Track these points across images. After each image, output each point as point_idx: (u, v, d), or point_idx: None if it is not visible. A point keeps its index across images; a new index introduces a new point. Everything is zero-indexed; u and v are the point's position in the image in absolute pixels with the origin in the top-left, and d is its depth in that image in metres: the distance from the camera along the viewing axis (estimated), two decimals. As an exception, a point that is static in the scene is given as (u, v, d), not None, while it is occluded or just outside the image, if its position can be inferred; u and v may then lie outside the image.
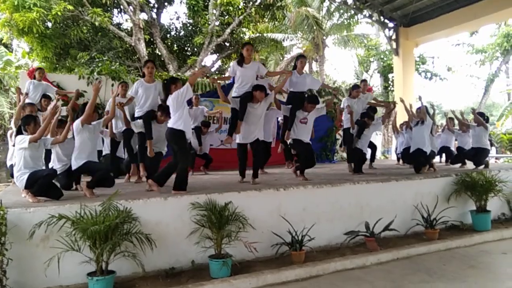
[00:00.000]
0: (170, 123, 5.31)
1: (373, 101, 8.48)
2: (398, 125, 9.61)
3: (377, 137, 20.68)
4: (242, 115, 6.05)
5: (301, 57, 7.17)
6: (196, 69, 14.72)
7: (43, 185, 4.66)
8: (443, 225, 6.10)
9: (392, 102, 7.84)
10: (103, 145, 7.36)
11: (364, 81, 8.48)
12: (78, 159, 5.17)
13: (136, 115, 6.41)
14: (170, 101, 5.30)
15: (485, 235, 6.08)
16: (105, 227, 3.79)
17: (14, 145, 5.24)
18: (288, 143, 6.82)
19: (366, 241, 5.43)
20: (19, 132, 5.01)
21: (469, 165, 8.45)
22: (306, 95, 6.98)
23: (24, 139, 4.68)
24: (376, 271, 4.79)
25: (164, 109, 5.89)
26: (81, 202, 4.25)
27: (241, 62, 6.29)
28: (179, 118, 5.22)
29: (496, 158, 15.22)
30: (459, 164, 8.62)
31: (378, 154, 17.11)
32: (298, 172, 6.53)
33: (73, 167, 5.24)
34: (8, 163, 6.91)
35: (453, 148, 9.27)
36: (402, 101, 8.08)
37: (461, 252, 5.46)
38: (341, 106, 8.10)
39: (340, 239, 5.53)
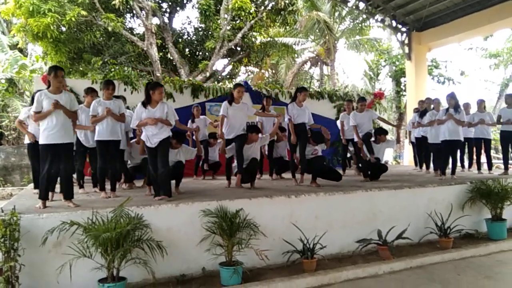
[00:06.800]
0: None
1: (382, 119, 8.51)
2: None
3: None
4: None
5: (303, 90, 6.86)
6: (208, 74, 14.79)
7: None
8: (457, 234, 5.97)
9: (398, 124, 7.81)
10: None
11: (363, 99, 8.12)
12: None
13: None
14: None
15: (501, 244, 5.95)
16: (116, 234, 3.79)
17: None
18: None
19: (378, 249, 5.36)
20: None
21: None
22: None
23: None
24: (389, 281, 4.71)
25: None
26: (93, 208, 4.27)
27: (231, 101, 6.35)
28: None
29: None
30: None
31: (390, 159, 16.97)
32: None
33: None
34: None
35: None
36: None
37: (476, 262, 5.35)
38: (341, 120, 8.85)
39: (352, 247, 5.47)
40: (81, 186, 6.38)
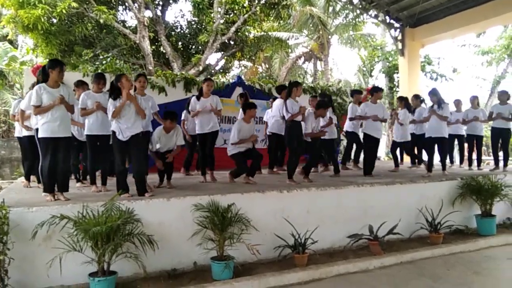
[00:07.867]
0: None
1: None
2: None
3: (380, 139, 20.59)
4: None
5: (298, 84, 6.48)
6: (201, 68, 14.71)
7: None
8: (447, 229, 6.04)
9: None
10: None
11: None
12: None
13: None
14: None
15: (490, 240, 6.03)
16: (107, 228, 3.76)
17: None
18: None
19: (369, 244, 5.40)
20: None
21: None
22: None
23: None
24: (380, 275, 4.75)
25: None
26: (83, 202, 4.23)
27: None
28: None
29: None
30: None
31: (382, 155, 17.06)
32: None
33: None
34: None
35: None
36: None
37: (465, 257, 5.41)
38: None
39: (343, 242, 5.49)
40: (78, 180, 6.37)
